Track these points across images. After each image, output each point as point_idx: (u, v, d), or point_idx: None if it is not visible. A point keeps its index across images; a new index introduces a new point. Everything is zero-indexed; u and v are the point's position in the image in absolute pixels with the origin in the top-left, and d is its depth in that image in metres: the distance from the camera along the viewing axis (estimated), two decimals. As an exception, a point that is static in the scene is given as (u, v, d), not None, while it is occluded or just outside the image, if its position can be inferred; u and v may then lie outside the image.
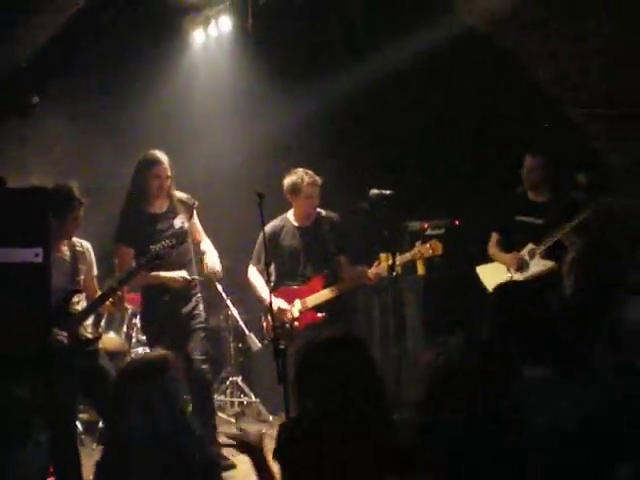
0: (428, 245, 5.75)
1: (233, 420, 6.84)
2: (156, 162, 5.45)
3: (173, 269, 5.43)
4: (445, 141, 7.24)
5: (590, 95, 6.27)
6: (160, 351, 3.15)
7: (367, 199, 5.76)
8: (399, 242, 5.89)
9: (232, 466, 5.30)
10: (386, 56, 7.00)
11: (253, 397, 7.02)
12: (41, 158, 7.81)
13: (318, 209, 5.94)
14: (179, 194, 5.66)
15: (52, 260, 4.66)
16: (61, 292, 4.80)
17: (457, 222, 6.97)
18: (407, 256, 5.84)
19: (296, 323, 5.73)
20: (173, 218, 5.56)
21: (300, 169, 5.88)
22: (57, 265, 4.77)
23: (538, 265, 5.66)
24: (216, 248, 5.85)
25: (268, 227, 5.82)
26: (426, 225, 7.00)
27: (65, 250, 5.02)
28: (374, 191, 5.67)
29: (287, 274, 5.90)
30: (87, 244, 5.18)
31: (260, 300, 5.90)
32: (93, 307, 5.01)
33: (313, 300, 5.79)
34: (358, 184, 6.35)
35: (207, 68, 7.83)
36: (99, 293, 5.08)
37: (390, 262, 5.70)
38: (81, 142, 7.85)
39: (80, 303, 5.00)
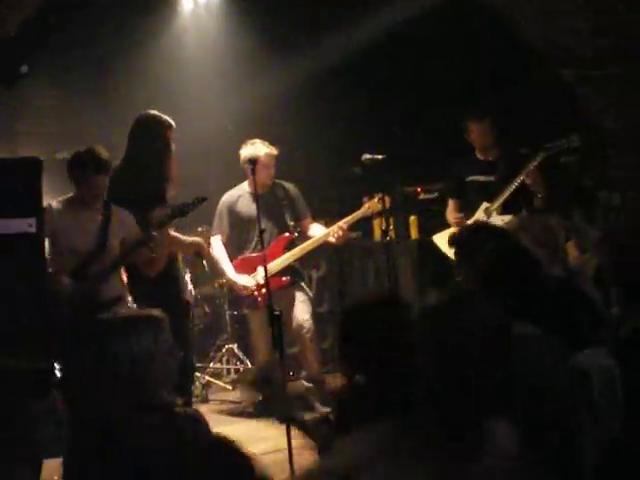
0: (376, 199, 5.74)
1: (229, 387, 6.88)
2: (170, 126, 5.22)
3: None
4: (436, 104, 7.21)
5: (581, 56, 6.24)
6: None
7: (359, 164, 5.76)
8: (392, 207, 5.89)
9: None
10: (378, 18, 6.97)
11: (249, 364, 7.06)
12: (30, 130, 7.78)
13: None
14: None
15: (80, 220, 4.67)
16: (86, 254, 4.69)
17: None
18: (358, 213, 5.89)
19: (263, 290, 5.53)
20: None
21: (257, 140, 5.89)
22: (85, 228, 4.72)
23: (496, 222, 5.68)
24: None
25: (225, 196, 6.00)
26: (419, 189, 7.00)
27: (97, 213, 4.82)
28: (367, 156, 5.67)
29: (245, 242, 5.95)
30: (126, 211, 4.91)
31: (222, 274, 6.03)
32: (114, 266, 4.81)
33: (276, 266, 5.81)
34: (351, 149, 6.34)
35: (196, 34, 7.78)
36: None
37: (383, 227, 5.72)
38: (70, 113, 7.81)
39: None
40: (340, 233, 5.85)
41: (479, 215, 5.74)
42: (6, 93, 7.02)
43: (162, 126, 5.20)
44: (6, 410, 2.84)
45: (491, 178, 5.79)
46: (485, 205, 5.73)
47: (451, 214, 6.03)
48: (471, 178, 5.90)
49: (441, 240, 5.95)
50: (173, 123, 5.23)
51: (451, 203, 6.06)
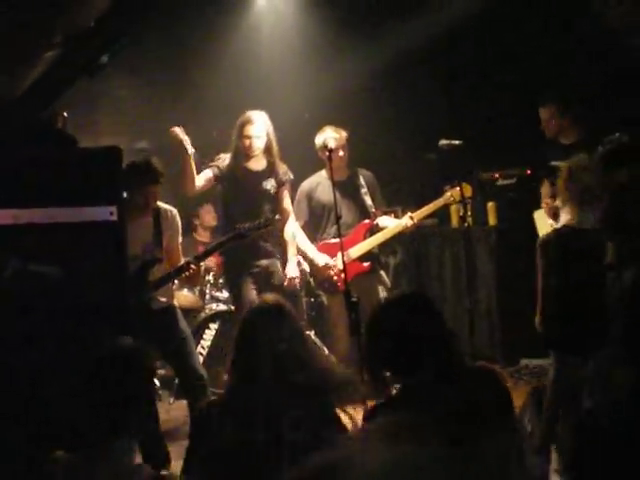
0: (458, 188, 5.65)
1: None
2: (246, 122, 5.58)
3: None
4: (515, 88, 7.08)
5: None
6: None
7: (436, 149, 5.69)
8: (473, 195, 5.80)
9: None
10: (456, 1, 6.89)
11: (326, 350, 7.05)
12: (111, 119, 7.91)
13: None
14: (282, 165, 5.79)
15: (135, 226, 4.69)
16: (140, 259, 4.80)
17: (529, 171, 6.82)
18: (440, 201, 5.84)
19: (343, 275, 5.60)
20: (265, 178, 5.65)
21: (327, 127, 5.90)
22: (140, 231, 4.79)
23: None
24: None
25: (304, 183, 6.10)
26: (497, 175, 6.89)
27: (149, 217, 4.96)
28: (443, 141, 5.60)
29: (324, 228, 6.00)
30: (173, 210, 5.11)
31: (302, 255, 6.04)
32: (168, 279, 5.00)
33: (356, 251, 5.85)
34: (427, 134, 6.27)
35: (272, 21, 7.76)
36: (182, 259, 5.06)
37: (461, 214, 5.64)
38: (147, 104, 7.91)
39: (159, 270, 4.98)
40: (410, 227, 5.85)
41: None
42: (86, 83, 7.14)
43: (237, 124, 5.61)
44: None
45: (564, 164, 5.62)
46: None
47: (544, 198, 5.87)
48: (552, 164, 5.74)
49: (539, 217, 5.78)
50: (250, 119, 5.60)
51: (545, 186, 5.89)
